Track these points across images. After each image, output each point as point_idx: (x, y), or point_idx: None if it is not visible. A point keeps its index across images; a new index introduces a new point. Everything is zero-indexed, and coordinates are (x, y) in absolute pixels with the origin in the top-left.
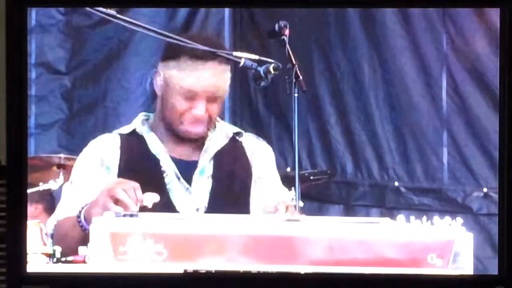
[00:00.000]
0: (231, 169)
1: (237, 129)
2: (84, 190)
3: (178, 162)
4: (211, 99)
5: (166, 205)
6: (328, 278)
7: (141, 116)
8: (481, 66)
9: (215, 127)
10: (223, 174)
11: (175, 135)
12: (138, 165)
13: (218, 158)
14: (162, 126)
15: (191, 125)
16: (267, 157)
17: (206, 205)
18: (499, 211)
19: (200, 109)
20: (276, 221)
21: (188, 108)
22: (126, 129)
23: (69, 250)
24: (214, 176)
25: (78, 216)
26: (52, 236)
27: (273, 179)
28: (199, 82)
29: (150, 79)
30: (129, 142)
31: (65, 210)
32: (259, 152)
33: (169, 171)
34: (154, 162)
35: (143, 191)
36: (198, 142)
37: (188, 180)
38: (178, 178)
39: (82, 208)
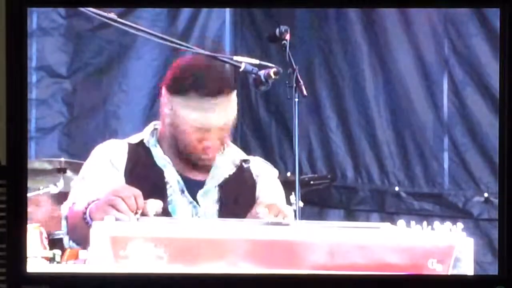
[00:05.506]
0: (237, 196)
1: (244, 156)
2: (94, 185)
3: (182, 177)
4: (223, 129)
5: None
6: (327, 280)
7: (152, 126)
8: (482, 71)
9: (223, 150)
10: (229, 200)
11: (183, 156)
12: (142, 174)
13: (225, 186)
14: (169, 141)
15: (203, 153)
16: (271, 181)
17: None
18: (499, 215)
19: (212, 141)
20: (261, 225)
21: (199, 139)
22: (134, 139)
23: (81, 236)
24: (220, 202)
25: (84, 213)
26: (66, 218)
27: (274, 201)
28: (209, 121)
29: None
30: (136, 151)
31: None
32: (264, 176)
33: (173, 183)
34: (158, 173)
35: (146, 199)
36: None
37: (193, 196)
38: (182, 191)
39: (89, 204)
